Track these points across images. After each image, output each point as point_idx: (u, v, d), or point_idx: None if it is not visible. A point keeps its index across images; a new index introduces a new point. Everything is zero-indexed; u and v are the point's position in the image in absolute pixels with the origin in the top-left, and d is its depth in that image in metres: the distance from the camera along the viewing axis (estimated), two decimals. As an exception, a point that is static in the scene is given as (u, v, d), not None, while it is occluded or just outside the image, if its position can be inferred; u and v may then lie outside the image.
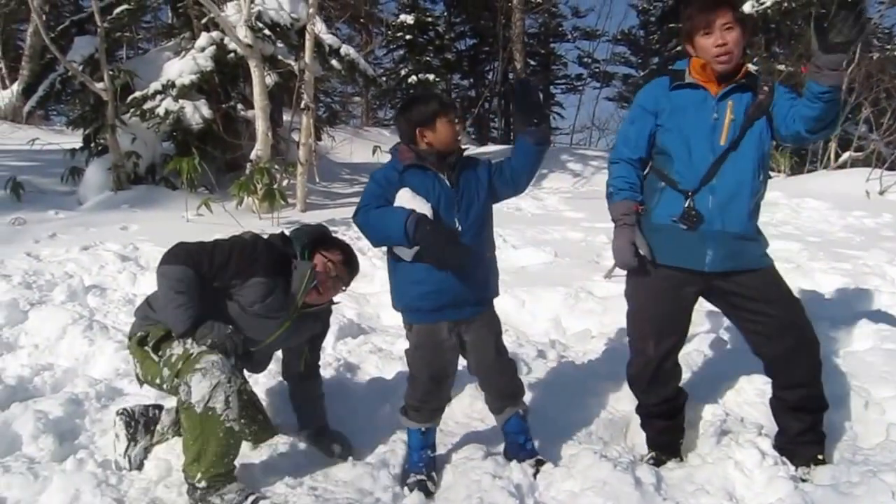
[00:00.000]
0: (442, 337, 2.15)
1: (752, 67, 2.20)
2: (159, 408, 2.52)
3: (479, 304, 2.18)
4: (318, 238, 2.37)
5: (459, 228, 2.08)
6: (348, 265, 2.37)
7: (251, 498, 2.03)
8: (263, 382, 2.84)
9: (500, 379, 2.27)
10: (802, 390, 2.14)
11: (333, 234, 2.52)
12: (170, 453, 2.38)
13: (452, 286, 2.08)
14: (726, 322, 2.32)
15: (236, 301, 2.20)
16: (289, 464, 2.35)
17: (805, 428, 2.16)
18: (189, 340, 2.12)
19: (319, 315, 2.42)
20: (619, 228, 2.17)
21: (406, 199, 2.03)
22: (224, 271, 2.16)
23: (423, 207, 2.01)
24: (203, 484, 2.03)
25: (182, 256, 2.16)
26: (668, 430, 2.32)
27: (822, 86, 1.90)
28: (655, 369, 2.23)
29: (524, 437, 2.29)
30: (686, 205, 2.06)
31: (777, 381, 2.20)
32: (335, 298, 2.41)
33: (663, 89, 2.17)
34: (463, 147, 2.23)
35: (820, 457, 2.16)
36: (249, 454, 2.38)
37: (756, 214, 2.13)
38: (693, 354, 2.98)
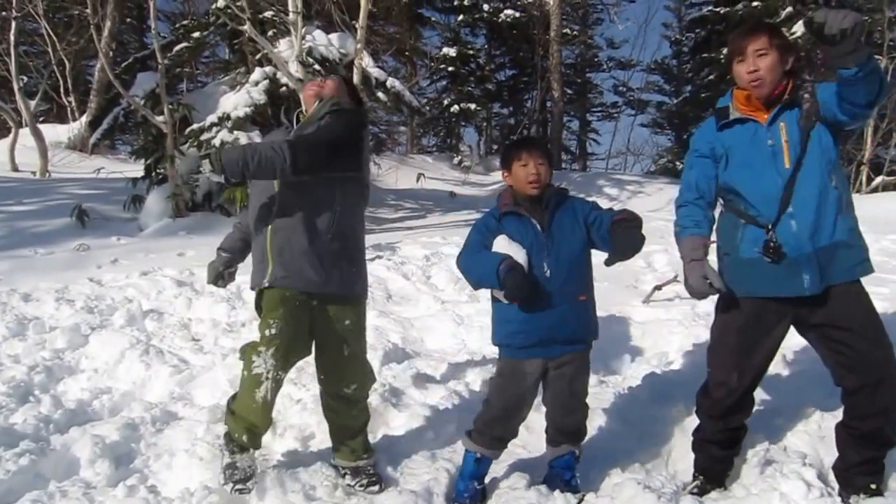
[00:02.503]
0: (526, 370, 2.22)
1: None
2: None
3: (568, 344, 2.22)
4: None
5: (548, 273, 2.16)
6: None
7: (237, 476, 2.24)
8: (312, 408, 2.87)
9: (569, 418, 2.29)
10: (875, 423, 2.07)
11: None
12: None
13: (540, 327, 2.17)
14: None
15: None
16: (331, 489, 2.34)
17: (867, 459, 2.11)
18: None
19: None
20: (689, 265, 2.15)
21: (502, 245, 2.16)
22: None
23: (518, 254, 2.12)
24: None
25: None
26: (721, 460, 2.29)
27: (848, 69, 1.83)
28: (737, 400, 2.20)
29: (570, 473, 2.29)
30: (766, 237, 2.03)
31: (851, 411, 2.12)
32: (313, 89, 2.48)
33: (712, 131, 2.16)
34: (558, 187, 2.29)
35: (873, 486, 2.10)
36: (295, 479, 2.37)
37: (847, 218, 2.06)
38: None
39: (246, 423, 2.26)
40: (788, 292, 2.06)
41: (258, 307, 2.38)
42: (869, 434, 2.09)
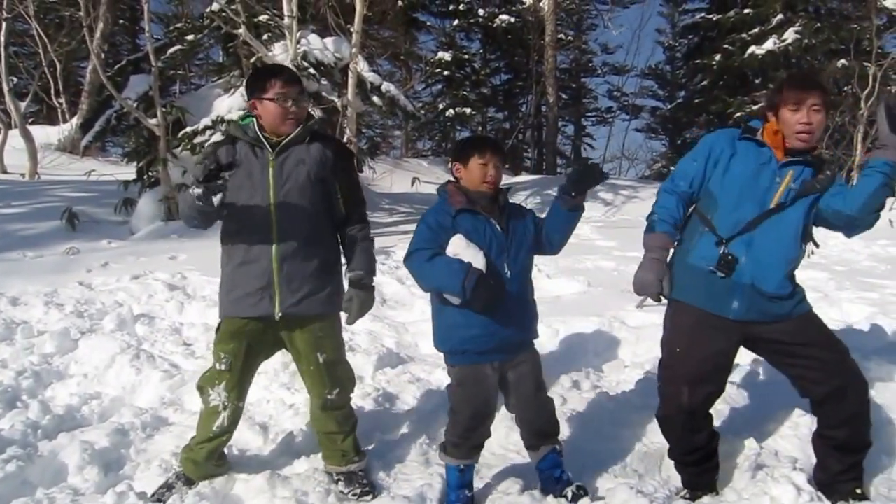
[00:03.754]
0: (486, 374, 2.19)
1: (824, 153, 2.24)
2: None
3: (522, 345, 2.21)
4: (249, 90, 2.34)
5: (508, 274, 2.13)
6: (272, 76, 2.27)
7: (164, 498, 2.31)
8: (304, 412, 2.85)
9: (538, 417, 2.27)
10: (849, 429, 2.11)
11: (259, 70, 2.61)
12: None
13: (499, 330, 2.13)
14: (756, 356, 2.31)
15: (231, 184, 2.21)
16: (322, 495, 2.33)
17: (847, 466, 2.15)
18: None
19: (309, 145, 2.31)
20: (649, 260, 2.16)
21: (460, 246, 2.07)
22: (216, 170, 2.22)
23: (476, 256, 2.05)
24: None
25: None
26: (702, 473, 2.29)
27: (884, 160, 1.96)
28: (688, 417, 2.18)
29: (559, 470, 2.29)
30: (721, 251, 2.07)
31: (823, 420, 2.16)
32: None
33: (731, 137, 2.19)
34: (504, 187, 2.25)
35: (858, 491, 2.14)
36: (286, 484, 2.36)
37: (791, 278, 2.11)
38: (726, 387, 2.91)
39: (194, 456, 2.37)
40: (715, 310, 2.10)
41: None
42: (845, 442, 2.13)
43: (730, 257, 2.05)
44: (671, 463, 2.43)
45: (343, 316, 2.38)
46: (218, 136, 6.88)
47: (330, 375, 2.38)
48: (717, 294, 2.09)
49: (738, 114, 12.35)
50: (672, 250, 2.22)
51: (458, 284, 2.00)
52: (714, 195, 2.15)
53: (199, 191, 2.09)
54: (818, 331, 2.12)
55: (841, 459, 2.15)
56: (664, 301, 2.19)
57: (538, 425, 2.27)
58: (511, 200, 2.28)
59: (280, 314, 2.27)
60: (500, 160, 2.17)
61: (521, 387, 2.22)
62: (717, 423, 2.35)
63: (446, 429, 2.28)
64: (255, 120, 2.30)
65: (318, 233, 2.32)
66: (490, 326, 2.10)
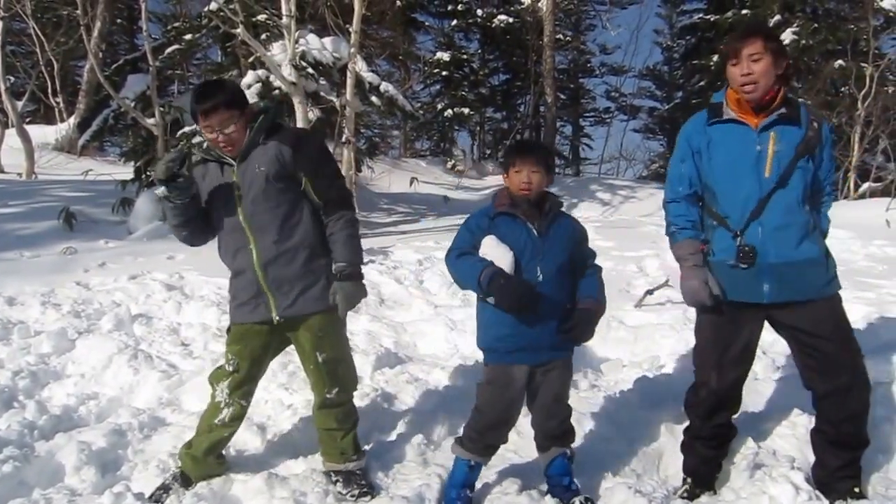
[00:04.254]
0: (514, 377, 2.21)
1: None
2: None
3: (555, 350, 2.23)
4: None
5: (540, 277, 2.16)
6: (197, 106, 2.24)
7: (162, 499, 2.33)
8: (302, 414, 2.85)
9: (552, 422, 2.28)
10: (848, 426, 2.12)
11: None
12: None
13: (528, 331, 2.16)
14: (757, 353, 2.33)
15: (207, 206, 2.35)
16: (321, 496, 2.33)
17: (844, 464, 2.15)
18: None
19: (265, 145, 2.29)
20: (687, 269, 2.17)
21: (490, 246, 2.13)
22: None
23: (504, 256, 2.11)
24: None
25: None
26: (708, 461, 2.31)
27: None
28: (719, 399, 2.23)
29: (568, 478, 2.29)
30: (738, 243, 2.07)
31: (823, 415, 2.17)
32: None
33: (701, 125, 2.17)
34: (557, 197, 2.30)
35: (856, 490, 2.14)
36: (285, 484, 2.35)
37: (815, 239, 2.11)
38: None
39: (193, 451, 2.39)
40: (749, 298, 2.11)
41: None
42: (843, 438, 2.13)
43: (747, 248, 2.04)
44: (670, 462, 2.45)
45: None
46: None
47: (329, 374, 2.39)
48: (746, 282, 2.08)
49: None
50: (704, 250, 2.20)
51: (475, 280, 2.10)
52: (711, 187, 2.15)
53: (162, 189, 2.20)
54: (836, 326, 2.11)
55: (839, 455, 2.16)
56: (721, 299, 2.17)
57: (550, 428, 2.28)
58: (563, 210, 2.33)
59: (278, 318, 2.30)
60: (535, 163, 2.18)
61: (543, 391, 2.24)
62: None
63: (466, 423, 2.30)
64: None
65: (294, 230, 2.28)
66: (518, 326, 2.15)
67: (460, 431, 2.35)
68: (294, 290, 2.29)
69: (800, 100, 2.17)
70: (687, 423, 2.38)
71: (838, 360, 2.08)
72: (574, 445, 2.35)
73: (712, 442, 2.30)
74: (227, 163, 2.30)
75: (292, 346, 2.48)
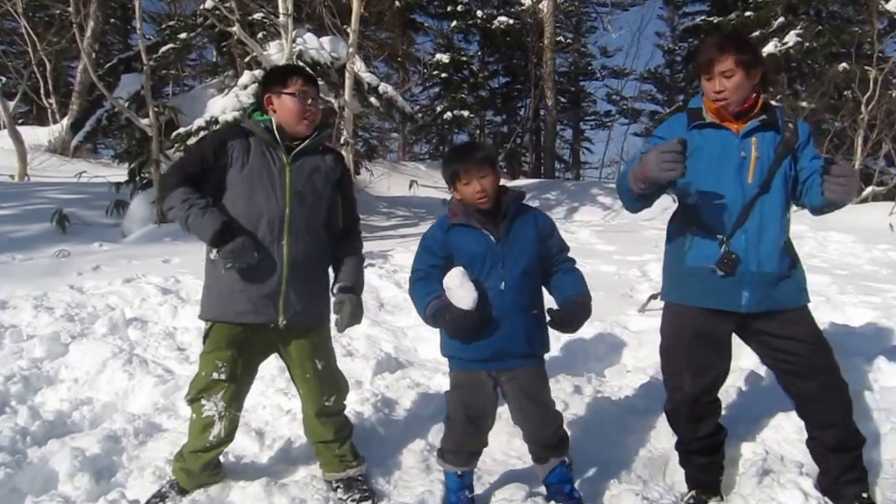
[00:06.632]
0: (481, 380, 2.18)
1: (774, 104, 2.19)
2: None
3: (523, 358, 2.17)
4: (266, 86, 2.30)
5: (503, 285, 2.10)
6: (293, 73, 2.26)
7: None
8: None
9: (543, 431, 2.22)
10: (835, 430, 2.11)
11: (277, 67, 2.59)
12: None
13: (494, 341, 2.11)
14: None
15: (234, 184, 2.20)
16: (321, 503, 2.29)
17: (846, 467, 2.14)
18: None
19: (323, 155, 2.32)
20: (642, 158, 2.01)
21: (455, 282, 2.07)
22: (205, 162, 2.20)
23: (465, 298, 2.03)
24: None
25: (171, 181, 2.21)
26: (707, 467, 2.28)
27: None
28: (693, 405, 2.19)
29: (569, 486, 2.24)
30: (722, 250, 2.05)
31: (809, 421, 2.17)
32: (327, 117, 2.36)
33: (682, 127, 2.14)
34: (516, 192, 2.20)
35: (864, 495, 2.13)
36: (284, 492, 2.31)
37: (789, 249, 2.11)
38: (730, 391, 2.95)
39: (188, 466, 2.31)
40: (725, 306, 2.10)
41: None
42: (835, 442, 2.13)
43: (733, 256, 2.03)
44: (676, 468, 2.42)
45: (333, 319, 2.34)
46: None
47: (327, 381, 2.35)
48: (725, 289, 2.07)
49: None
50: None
51: (423, 311, 2.12)
52: (692, 193, 2.12)
53: (217, 255, 2.14)
54: (805, 328, 2.12)
55: (838, 458, 2.14)
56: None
57: (541, 438, 2.22)
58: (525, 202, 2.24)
59: (284, 322, 2.23)
60: (480, 169, 2.07)
61: (519, 399, 2.18)
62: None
63: (443, 436, 2.27)
64: (272, 119, 2.26)
65: (324, 241, 2.34)
66: (482, 338, 2.10)
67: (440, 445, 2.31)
68: (306, 297, 2.26)
69: (773, 102, 2.16)
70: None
71: (811, 363, 2.09)
72: (578, 452, 2.32)
73: (704, 451, 2.27)
74: (276, 148, 2.23)
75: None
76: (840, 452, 2.13)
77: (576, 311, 2.15)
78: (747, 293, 2.06)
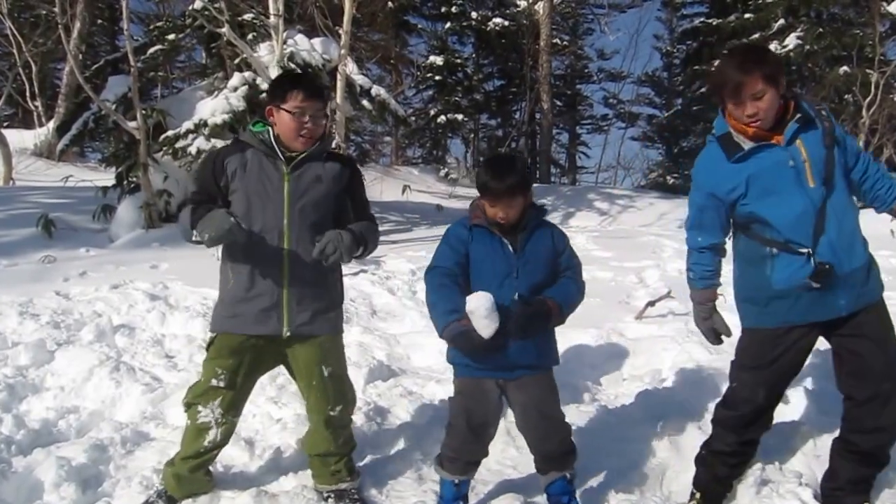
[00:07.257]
0: (486, 387, 2.16)
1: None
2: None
3: (530, 369, 2.16)
4: (269, 95, 2.29)
5: (515, 296, 2.08)
6: (294, 86, 2.20)
7: None
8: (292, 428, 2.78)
9: (546, 443, 2.20)
10: (876, 440, 2.06)
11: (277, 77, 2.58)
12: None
13: (503, 354, 2.09)
14: None
15: (234, 199, 2.22)
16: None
17: (858, 479, 2.11)
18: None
19: (325, 162, 2.28)
20: (701, 307, 2.23)
21: (482, 312, 1.98)
22: (209, 186, 2.24)
23: (489, 325, 1.98)
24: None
25: (182, 214, 2.27)
26: (722, 480, 2.26)
27: None
28: (761, 414, 2.19)
29: (568, 497, 2.22)
30: (812, 263, 1.98)
31: (854, 424, 2.09)
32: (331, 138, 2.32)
33: (724, 165, 2.05)
34: (538, 207, 2.22)
35: None
36: (274, 502, 2.29)
37: (863, 240, 2.09)
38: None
39: (178, 471, 2.29)
40: (825, 316, 2.05)
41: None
42: (868, 452, 2.07)
43: (826, 266, 1.96)
44: (673, 478, 2.42)
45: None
46: (202, 141, 6.77)
47: (335, 390, 2.32)
48: (820, 301, 2.01)
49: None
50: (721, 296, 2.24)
51: (440, 329, 2.08)
52: (762, 218, 2.03)
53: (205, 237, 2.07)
54: (883, 332, 2.06)
55: (857, 469, 2.10)
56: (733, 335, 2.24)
57: (543, 450, 2.21)
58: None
59: (288, 333, 2.21)
60: (513, 198, 2.06)
61: (524, 410, 2.18)
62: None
63: (443, 442, 2.25)
64: (270, 129, 2.23)
65: None
66: (491, 349, 2.07)
67: (439, 451, 2.29)
68: (311, 308, 2.23)
69: (795, 91, 2.15)
70: (706, 438, 2.32)
71: (880, 366, 2.02)
72: (575, 463, 2.27)
73: (733, 459, 2.24)
74: (275, 158, 2.20)
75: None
76: (864, 464, 2.09)
77: (535, 311, 2.06)
78: (844, 296, 2.01)
